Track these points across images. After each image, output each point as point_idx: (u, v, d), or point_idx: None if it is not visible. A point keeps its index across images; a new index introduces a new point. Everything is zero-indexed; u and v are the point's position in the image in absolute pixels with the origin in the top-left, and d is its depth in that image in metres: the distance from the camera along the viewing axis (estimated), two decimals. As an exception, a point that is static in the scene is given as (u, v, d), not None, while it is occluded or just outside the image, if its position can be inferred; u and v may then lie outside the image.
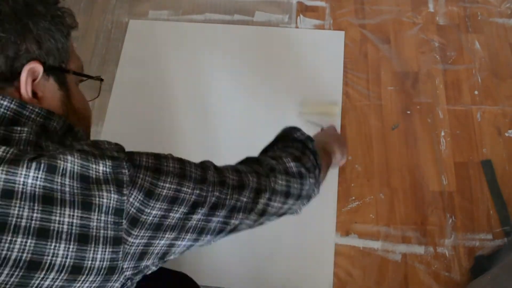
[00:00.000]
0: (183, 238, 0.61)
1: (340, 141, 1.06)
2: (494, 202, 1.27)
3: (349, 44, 1.50)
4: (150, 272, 0.62)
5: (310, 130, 0.97)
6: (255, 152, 1.35)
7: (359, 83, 1.44)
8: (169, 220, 0.59)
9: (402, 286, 1.18)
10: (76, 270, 0.54)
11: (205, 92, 1.44)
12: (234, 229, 0.69)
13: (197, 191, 0.61)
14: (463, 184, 1.30)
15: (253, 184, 0.69)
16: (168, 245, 0.60)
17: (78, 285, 0.54)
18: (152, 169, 0.58)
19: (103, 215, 0.54)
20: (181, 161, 0.64)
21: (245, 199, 0.68)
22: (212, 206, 0.63)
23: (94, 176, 0.54)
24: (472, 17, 1.54)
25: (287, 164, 0.77)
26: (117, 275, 0.57)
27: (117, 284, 0.58)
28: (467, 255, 1.21)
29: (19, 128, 0.56)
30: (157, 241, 0.59)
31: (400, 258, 1.21)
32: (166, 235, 0.59)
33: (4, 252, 0.50)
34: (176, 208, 0.59)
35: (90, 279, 0.55)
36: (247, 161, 0.80)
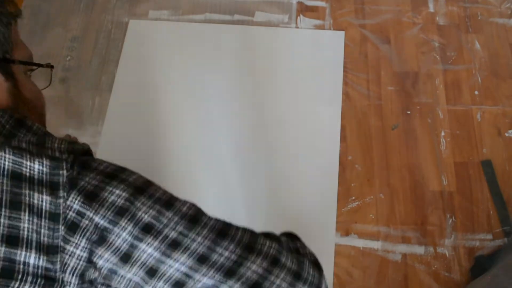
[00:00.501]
0: (128, 270, 0.52)
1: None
2: (494, 202, 1.27)
3: (349, 44, 1.50)
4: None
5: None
6: (255, 152, 1.36)
7: (359, 83, 1.44)
8: (113, 236, 0.51)
9: (402, 286, 1.18)
10: (7, 274, 0.49)
11: (205, 92, 1.44)
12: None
13: (156, 211, 0.52)
14: (463, 184, 1.30)
15: (238, 236, 0.58)
16: (109, 268, 0.52)
17: None
18: (106, 174, 0.53)
19: (35, 217, 0.50)
20: (149, 181, 0.55)
21: (226, 254, 0.54)
22: (172, 244, 0.52)
23: (27, 174, 0.50)
24: (472, 17, 1.54)
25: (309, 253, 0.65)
26: None
27: None
28: (467, 255, 1.21)
29: None
30: (97, 259, 0.51)
31: (400, 258, 1.21)
32: (106, 255, 0.51)
33: None
34: (123, 224, 0.51)
35: (27, 286, 0.49)
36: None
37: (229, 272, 0.53)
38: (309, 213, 1.27)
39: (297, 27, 1.54)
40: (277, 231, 1.28)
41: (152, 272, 0.52)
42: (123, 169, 0.55)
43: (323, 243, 1.23)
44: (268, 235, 0.63)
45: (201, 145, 1.36)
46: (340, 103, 1.41)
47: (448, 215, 1.26)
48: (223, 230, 0.56)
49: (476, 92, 1.42)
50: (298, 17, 1.55)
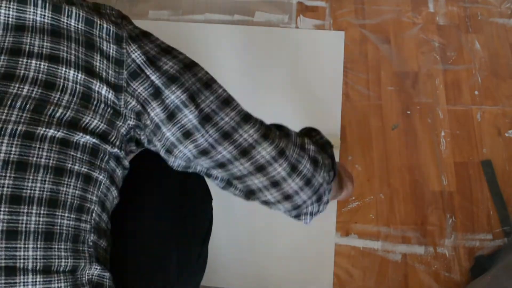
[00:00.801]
0: (169, 128, 0.65)
1: (351, 178, 1.06)
2: (494, 202, 1.27)
3: (349, 44, 1.50)
4: (154, 140, 0.66)
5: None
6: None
7: (359, 83, 1.44)
8: (163, 96, 0.63)
9: (402, 286, 1.18)
10: (86, 98, 0.60)
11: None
12: (220, 166, 0.69)
13: (198, 87, 0.65)
14: (463, 184, 1.30)
15: (257, 125, 0.70)
16: (156, 123, 0.64)
17: (90, 113, 0.60)
18: (162, 48, 0.66)
19: (105, 59, 0.61)
20: (194, 62, 0.68)
21: (245, 135, 0.68)
22: (205, 117, 0.65)
23: (98, 22, 0.61)
24: (472, 17, 1.54)
25: (307, 143, 0.75)
26: (121, 121, 0.63)
27: (122, 130, 0.64)
28: (467, 255, 1.21)
29: None
30: (152, 108, 0.63)
31: (400, 258, 1.21)
32: (157, 110, 0.64)
33: (22, 72, 0.57)
34: (173, 89, 0.64)
35: (100, 112, 0.61)
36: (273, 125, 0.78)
37: (244, 152, 0.67)
38: (309, 213, 1.27)
39: (297, 27, 1.54)
40: (277, 231, 1.28)
41: (186, 135, 0.65)
42: (173, 48, 0.68)
43: (323, 243, 1.23)
44: (281, 129, 0.75)
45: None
46: (340, 103, 1.41)
47: (448, 215, 1.26)
48: (246, 117, 0.69)
49: (476, 92, 1.42)
50: (298, 17, 1.55)
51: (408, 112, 1.39)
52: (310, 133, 0.86)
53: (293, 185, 0.71)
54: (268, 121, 1.48)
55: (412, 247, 1.22)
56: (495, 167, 1.31)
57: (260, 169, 0.69)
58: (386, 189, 1.29)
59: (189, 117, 0.64)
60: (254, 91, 1.43)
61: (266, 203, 0.77)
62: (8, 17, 0.58)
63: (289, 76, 1.46)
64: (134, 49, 0.62)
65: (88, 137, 0.60)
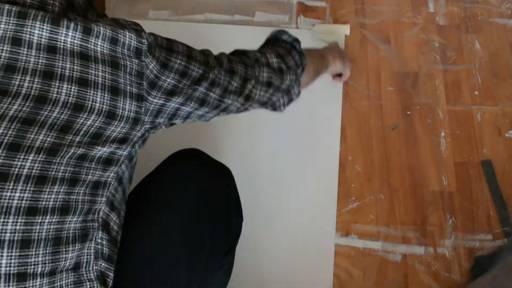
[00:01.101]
0: (188, 104, 0.74)
1: (341, 52, 1.24)
2: (494, 202, 1.27)
3: (349, 44, 1.50)
4: (160, 129, 0.76)
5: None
6: (254, 152, 1.36)
7: (359, 83, 1.44)
8: (179, 88, 0.71)
9: (402, 286, 1.18)
10: (111, 115, 0.65)
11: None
12: (226, 109, 0.82)
13: (201, 71, 0.74)
14: (463, 184, 1.30)
15: (242, 72, 0.82)
16: (176, 108, 0.73)
17: (112, 128, 0.66)
18: (166, 48, 0.71)
19: (127, 75, 0.66)
20: (187, 46, 0.77)
21: (235, 84, 0.80)
22: (211, 83, 0.76)
23: (121, 39, 0.65)
24: (472, 17, 1.54)
25: (270, 59, 0.88)
26: (140, 126, 0.70)
27: (139, 134, 0.70)
28: (467, 255, 1.21)
29: (51, 1, 0.64)
30: (169, 103, 0.72)
31: (400, 258, 1.21)
32: (176, 100, 0.72)
33: (54, 95, 0.61)
34: (184, 81, 0.72)
35: (121, 125, 0.67)
36: (236, 53, 0.90)
37: (225, 90, 0.80)
38: (309, 213, 1.27)
39: (297, 27, 1.54)
40: (277, 230, 1.27)
41: (202, 103, 0.76)
42: (169, 41, 0.74)
43: (323, 243, 1.23)
44: (245, 54, 0.89)
45: (200, 145, 1.35)
46: (340, 103, 1.41)
47: (448, 215, 1.26)
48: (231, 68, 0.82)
49: (476, 92, 1.42)
50: (298, 17, 1.55)
51: (408, 112, 1.39)
52: (275, 41, 1.01)
53: (267, 95, 0.88)
54: (268, 121, 1.48)
55: (412, 247, 1.22)
56: (495, 167, 1.31)
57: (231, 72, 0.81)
58: (386, 189, 1.29)
59: (201, 90, 0.75)
60: (254, 91, 1.43)
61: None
62: (41, 38, 0.60)
63: (289, 76, 1.45)
64: (150, 60, 0.68)
65: (105, 149, 0.66)
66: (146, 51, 0.67)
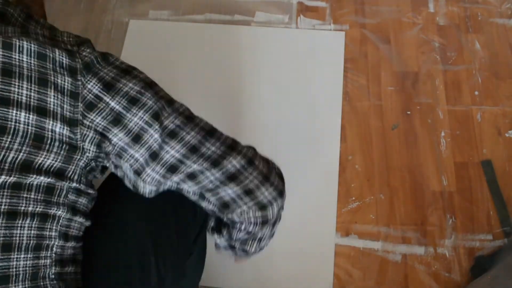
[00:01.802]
0: (137, 149, 0.63)
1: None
2: (494, 202, 1.27)
3: (349, 44, 1.50)
4: (121, 163, 0.64)
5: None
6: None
7: (359, 83, 1.44)
8: (126, 120, 0.62)
9: (402, 286, 1.18)
10: (39, 138, 0.58)
11: (204, 92, 1.44)
12: (190, 177, 0.67)
13: (161, 105, 0.64)
14: (463, 184, 1.30)
15: (223, 137, 0.71)
16: (121, 147, 0.63)
17: (44, 153, 0.59)
18: (121, 69, 0.64)
19: (59, 94, 0.59)
20: (154, 82, 0.68)
21: (213, 148, 0.67)
22: (170, 134, 0.64)
23: (51, 58, 0.59)
24: (472, 18, 1.54)
25: (272, 164, 0.78)
26: (79, 154, 0.62)
27: (81, 163, 0.63)
28: (467, 255, 1.21)
29: None
30: (112, 136, 0.62)
31: (400, 258, 1.21)
32: (120, 135, 0.62)
33: None
34: (135, 111, 0.62)
35: (54, 151, 0.60)
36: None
37: (214, 163, 0.66)
38: (309, 213, 1.27)
39: (297, 27, 1.54)
40: (277, 231, 1.28)
41: (154, 156, 0.63)
42: (134, 67, 0.66)
43: (323, 243, 1.23)
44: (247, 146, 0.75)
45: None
46: (340, 103, 1.41)
47: (448, 215, 1.26)
48: (211, 131, 0.69)
49: (476, 93, 1.42)
50: (299, 17, 1.55)
51: (408, 112, 1.39)
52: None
53: (267, 194, 0.71)
54: (268, 121, 1.49)
55: (412, 247, 1.22)
56: (495, 167, 1.31)
57: (232, 178, 0.68)
58: (386, 189, 1.29)
59: (154, 136, 0.63)
60: (254, 91, 1.43)
61: (240, 214, 0.73)
62: None
63: (289, 76, 1.45)
64: (89, 79, 0.60)
65: (42, 177, 0.59)
66: (81, 69, 0.60)
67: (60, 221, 0.62)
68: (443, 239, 1.23)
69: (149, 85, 0.65)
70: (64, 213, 0.62)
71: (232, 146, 0.70)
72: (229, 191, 0.69)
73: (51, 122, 0.59)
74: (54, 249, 0.62)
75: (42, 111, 0.58)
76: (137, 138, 0.62)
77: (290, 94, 1.43)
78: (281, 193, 0.74)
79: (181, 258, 0.84)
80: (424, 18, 1.54)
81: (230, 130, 1.37)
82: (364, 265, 1.21)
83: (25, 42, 0.57)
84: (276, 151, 1.35)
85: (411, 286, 1.18)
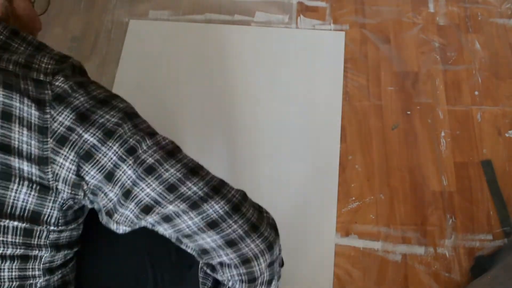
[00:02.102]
0: (111, 189, 0.57)
1: None
2: (494, 202, 1.27)
3: (349, 44, 1.50)
4: (97, 201, 0.59)
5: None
6: (255, 152, 1.35)
7: (359, 83, 1.44)
8: (100, 155, 0.56)
9: (402, 286, 1.18)
10: (6, 177, 0.54)
11: (205, 92, 1.44)
12: (165, 220, 0.59)
13: (139, 137, 0.57)
14: (463, 184, 1.30)
15: (207, 177, 0.62)
16: (95, 185, 0.57)
17: (13, 194, 0.54)
18: (99, 99, 0.57)
19: (25, 129, 0.54)
20: (136, 113, 0.61)
21: (194, 188, 0.59)
22: (147, 169, 0.57)
23: (17, 86, 0.54)
24: (472, 18, 1.54)
25: (265, 213, 0.69)
26: (53, 196, 0.56)
27: (56, 205, 0.57)
28: (467, 255, 1.21)
29: None
30: (86, 172, 0.56)
31: (400, 258, 1.21)
32: (92, 172, 0.56)
33: None
34: (110, 144, 0.56)
35: (24, 191, 0.55)
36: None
37: (193, 205, 0.58)
38: (309, 214, 1.27)
39: (297, 27, 1.54)
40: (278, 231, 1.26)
41: (127, 194, 0.57)
42: (115, 96, 0.60)
43: (323, 243, 1.23)
44: (238, 190, 0.66)
45: (201, 145, 1.36)
46: (340, 103, 1.41)
47: (448, 215, 1.26)
48: (195, 169, 0.60)
49: (476, 92, 1.42)
50: (298, 17, 1.55)
51: (408, 112, 1.39)
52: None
53: (253, 246, 0.61)
54: (268, 121, 1.49)
55: (412, 247, 1.22)
56: (495, 167, 1.31)
57: (212, 225, 0.59)
58: (386, 189, 1.29)
59: (128, 172, 0.56)
60: (255, 91, 1.43)
61: (221, 265, 0.64)
62: None
63: (289, 76, 1.45)
64: (60, 111, 0.54)
65: (16, 222, 0.55)
66: (50, 101, 0.54)
67: (43, 259, 0.59)
68: (443, 239, 1.23)
69: (129, 116, 0.58)
70: (47, 253, 0.59)
71: (216, 188, 0.60)
72: (208, 240, 0.60)
73: (16, 159, 0.53)
74: (39, 284, 0.60)
75: (5, 148, 0.53)
76: (109, 176, 0.56)
77: (290, 94, 1.43)
78: (270, 246, 0.64)
79: (181, 271, 0.82)
80: (424, 18, 1.54)
81: (229, 130, 1.38)
82: (364, 265, 1.21)
83: None
84: (276, 151, 1.35)
85: (411, 286, 1.18)
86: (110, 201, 0.58)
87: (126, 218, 0.59)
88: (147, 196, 0.57)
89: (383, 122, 1.38)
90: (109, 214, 0.59)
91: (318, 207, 1.28)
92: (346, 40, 1.50)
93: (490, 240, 1.23)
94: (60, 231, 0.60)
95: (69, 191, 0.57)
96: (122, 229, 0.61)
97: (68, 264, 0.65)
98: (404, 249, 1.22)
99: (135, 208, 0.58)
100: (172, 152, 0.60)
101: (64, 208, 0.58)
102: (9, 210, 0.55)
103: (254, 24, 1.55)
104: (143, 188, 0.57)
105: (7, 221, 0.55)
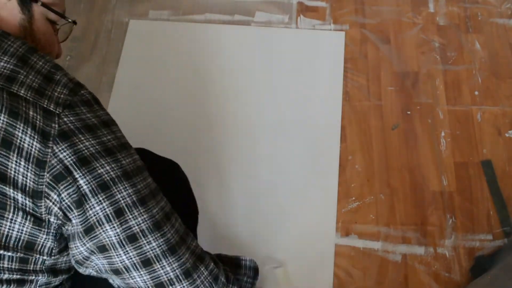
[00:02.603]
0: (84, 243, 0.56)
1: None
2: (494, 202, 1.27)
3: (349, 44, 1.50)
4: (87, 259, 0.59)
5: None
6: (254, 152, 1.35)
7: (359, 83, 1.44)
8: (87, 206, 0.55)
9: (402, 286, 1.18)
10: (1, 205, 0.53)
11: (205, 92, 1.44)
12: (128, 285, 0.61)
13: (131, 201, 0.56)
14: (463, 184, 1.30)
15: (184, 257, 0.62)
16: (71, 234, 0.57)
17: (7, 223, 0.54)
18: (105, 147, 0.56)
19: (22, 160, 0.53)
20: (138, 169, 0.59)
21: (167, 268, 0.59)
22: (130, 237, 0.57)
23: (23, 115, 0.53)
24: (473, 18, 1.54)
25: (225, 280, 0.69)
26: (46, 227, 0.56)
27: (50, 236, 0.57)
28: (467, 255, 1.21)
29: None
30: (73, 216, 0.55)
31: (400, 258, 1.21)
32: (77, 220, 0.56)
33: None
34: (100, 198, 0.55)
35: (18, 221, 0.54)
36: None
37: (159, 285, 0.59)
38: (309, 213, 1.27)
39: (297, 27, 1.54)
40: (277, 231, 1.27)
41: (101, 250, 0.57)
42: (123, 148, 0.58)
43: (323, 243, 1.23)
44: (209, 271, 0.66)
45: (200, 145, 1.36)
46: (340, 103, 1.41)
47: (448, 216, 1.26)
48: (174, 247, 0.60)
49: (476, 93, 1.42)
50: (298, 17, 1.55)
51: (408, 112, 1.39)
52: (236, 270, 0.84)
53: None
54: (268, 120, 1.48)
55: (412, 247, 1.22)
56: (495, 167, 1.31)
57: None
58: (386, 189, 1.29)
59: (108, 233, 0.56)
60: (255, 91, 1.43)
61: None
62: None
63: (289, 76, 1.45)
64: (63, 148, 0.54)
65: (10, 253, 0.55)
66: (55, 135, 0.53)
67: (39, 283, 0.59)
68: (443, 239, 1.23)
69: (128, 175, 0.57)
70: (44, 278, 0.59)
71: (188, 272, 0.60)
72: None
73: (11, 189, 0.53)
74: None
75: (2, 176, 0.52)
76: (88, 231, 0.56)
77: (290, 94, 1.43)
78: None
79: None
80: (424, 18, 1.54)
81: (229, 130, 1.38)
82: (364, 265, 1.21)
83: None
84: (275, 151, 1.35)
85: (411, 286, 1.18)
86: (80, 254, 0.58)
87: (94, 268, 0.60)
88: (121, 263, 0.58)
89: (383, 122, 1.38)
90: (79, 262, 0.60)
91: (318, 207, 1.28)
92: (346, 40, 1.50)
93: (490, 240, 1.23)
94: (56, 259, 0.60)
95: (61, 223, 0.56)
96: (88, 272, 0.61)
97: (65, 284, 0.65)
98: (404, 249, 1.22)
99: (105, 264, 0.58)
100: (159, 223, 0.59)
101: (58, 238, 0.58)
102: (3, 240, 0.54)
103: (254, 24, 1.55)
104: (119, 253, 0.57)
105: (2, 251, 0.55)
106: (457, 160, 1.33)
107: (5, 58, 0.55)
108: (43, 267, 0.58)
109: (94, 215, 0.55)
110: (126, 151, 0.59)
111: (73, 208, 0.55)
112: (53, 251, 0.58)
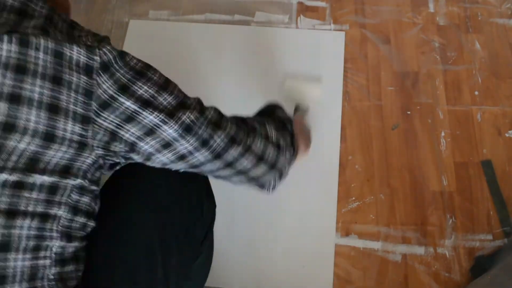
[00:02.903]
0: (146, 142, 0.65)
1: (305, 134, 1.06)
2: (494, 202, 1.27)
3: (349, 44, 1.50)
4: (121, 161, 0.68)
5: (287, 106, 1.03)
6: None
7: (359, 83, 1.44)
8: (140, 117, 0.64)
9: (402, 286, 1.18)
10: (49, 137, 0.59)
11: (205, 93, 1.44)
12: (196, 166, 0.72)
13: (170, 107, 0.66)
14: (463, 184, 1.30)
15: (231, 131, 0.73)
16: (132, 141, 0.65)
17: (52, 152, 0.59)
18: (137, 71, 0.64)
19: (72, 92, 0.59)
20: (167, 78, 0.70)
21: (218, 141, 0.71)
22: (186, 128, 0.67)
23: (68, 55, 0.59)
24: (473, 18, 1.54)
25: (269, 131, 0.82)
26: (88, 152, 0.62)
27: (88, 161, 0.63)
28: (467, 255, 1.21)
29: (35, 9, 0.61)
30: (124, 132, 0.64)
31: (400, 258, 1.21)
32: (132, 130, 0.64)
33: None
34: (150, 110, 0.64)
35: (63, 149, 0.60)
36: (234, 116, 0.82)
37: (217, 156, 0.73)
38: (309, 213, 1.27)
39: (297, 27, 1.54)
40: (277, 231, 1.27)
41: (166, 146, 0.67)
42: (149, 68, 0.67)
43: (323, 243, 1.23)
44: (245, 122, 0.81)
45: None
46: (340, 103, 1.41)
47: (448, 216, 1.26)
48: (221, 119, 0.75)
49: (476, 93, 1.42)
50: (299, 17, 1.55)
51: (408, 112, 1.39)
52: (273, 110, 0.96)
53: (258, 171, 0.78)
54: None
55: (412, 247, 1.22)
56: (495, 167, 1.31)
57: (230, 164, 0.74)
58: (386, 189, 1.29)
59: (168, 131, 0.66)
60: (254, 91, 1.43)
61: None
62: None
63: (289, 76, 1.45)
64: (105, 80, 0.61)
65: (45, 177, 0.59)
66: (98, 68, 0.60)
67: (61, 221, 0.62)
68: (443, 239, 1.23)
69: (163, 86, 0.67)
70: (66, 213, 0.63)
71: (233, 139, 0.74)
72: (226, 172, 0.76)
73: (62, 120, 0.59)
74: (55, 249, 0.62)
75: (54, 109, 0.58)
76: (151, 132, 0.65)
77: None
78: (272, 165, 0.80)
79: (187, 260, 0.84)
80: (424, 18, 1.54)
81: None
82: (364, 265, 1.21)
83: (42, 40, 0.57)
84: (276, 151, 1.35)
85: (411, 286, 1.18)
86: (146, 151, 0.66)
87: (161, 161, 0.69)
88: (185, 149, 0.68)
89: (383, 122, 1.38)
90: (148, 159, 0.68)
91: (318, 207, 1.28)
92: (346, 40, 1.50)
93: (490, 240, 1.23)
94: (81, 192, 0.64)
95: (103, 148, 0.63)
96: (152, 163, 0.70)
97: (83, 240, 0.68)
98: (404, 249, 1.22)
99: (172, 156, 0.68)
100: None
101: (94, 166, 0.64)
102: (42, 166, 0.59)
103: (254, 24, 1.55)
104: (182, 143, 0.67)
105: (37, 176, 0.59)
106: (457, 160, 1.33)
107: (31, 23, 0.60)
108: (68, 200, 0.62)
109: (150, 122, 0.64)
110: (151, 69, 0.68)
111: (124, 124, 0.63)
112: (87, 175, 0.64)
